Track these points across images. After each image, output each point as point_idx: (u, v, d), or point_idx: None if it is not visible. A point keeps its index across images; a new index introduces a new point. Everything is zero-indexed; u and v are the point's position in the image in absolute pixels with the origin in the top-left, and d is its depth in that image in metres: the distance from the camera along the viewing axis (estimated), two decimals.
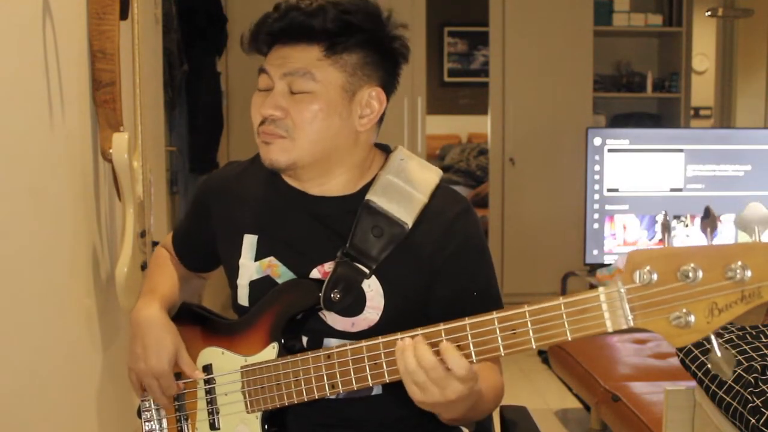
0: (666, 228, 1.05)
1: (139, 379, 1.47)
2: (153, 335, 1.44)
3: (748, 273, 0.96)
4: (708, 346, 1.01)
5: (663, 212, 1.09)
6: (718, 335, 1.04)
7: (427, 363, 1.15)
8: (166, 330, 1.45)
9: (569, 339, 1.08)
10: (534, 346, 1.11)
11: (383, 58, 1.38)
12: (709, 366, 1.02)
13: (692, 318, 1.00)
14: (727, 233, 3.82)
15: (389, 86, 1.41)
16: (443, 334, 1.17)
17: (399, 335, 1.21)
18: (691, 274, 0.99)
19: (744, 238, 1.00)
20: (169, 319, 1.48)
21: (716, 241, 1.02)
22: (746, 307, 0.98)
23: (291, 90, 1.34)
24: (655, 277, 1.02)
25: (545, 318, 1.09)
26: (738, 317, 0.99)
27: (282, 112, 1.33)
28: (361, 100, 1.36)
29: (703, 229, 1.03)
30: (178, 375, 1.47)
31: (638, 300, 1.03)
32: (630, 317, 1.04)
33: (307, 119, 1.33)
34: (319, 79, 1.32)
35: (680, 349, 2.06)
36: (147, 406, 1.53)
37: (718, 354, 1.00)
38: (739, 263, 0.97)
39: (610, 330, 1.06)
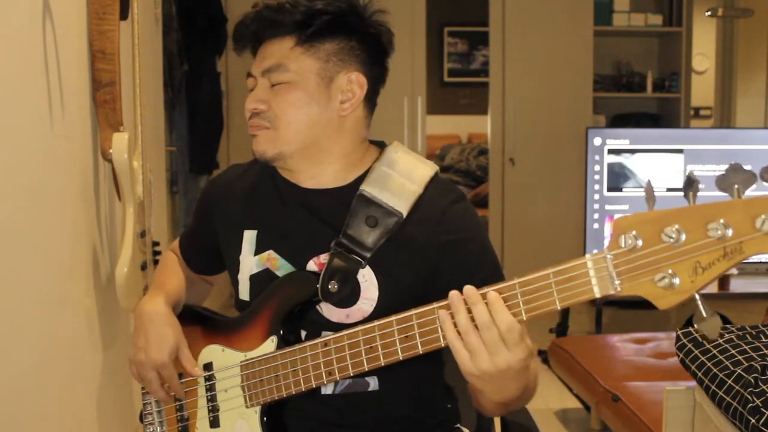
0: (650, 195, 1.06)
1: (139, 372, 1.47)
2: (155, 328, 1.46)
3: (730, 230, 0.98)
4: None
5: (647, 179, 1.11)
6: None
7: (483, 320, 1.12)
8: (169, 324, 1.47)
9: (558, 308, 1.10)
10: (524, 318, 1.13)
11: (361, 44, 1.40)
12: (698, 333, 1.03)
13: (677, 279, 1.02)
14: None
15: (374, 73, 1.42)
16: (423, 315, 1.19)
17: (393, 317, 1.23)
18: (674, 235, 1.01)
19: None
20: (173, 314, 1.50)
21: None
22: (728, 264, 0.99)
23: (271, 83, 1.39)
24: (640, 242, 1.04)
25: (535, 288, 1.11)
26: (721, 274, 1.00)
27: (265, 105, 1.39)
28: (340, 85, 1.39)
29: (686, 196, 1.04)
30: (181, 376, 1.48)
31: (624, 264, 1.05)
32: (617, 282, 1.06)
33: (286, 108, 1.38)
34: (293, 69, 1.37)
35: (680, 349, 2.06)
36: (149, 409, 1.53)
37: (704, 314, 1.01)
38: (721, 221, 0.99)
39: (597, 295, 1.07)
